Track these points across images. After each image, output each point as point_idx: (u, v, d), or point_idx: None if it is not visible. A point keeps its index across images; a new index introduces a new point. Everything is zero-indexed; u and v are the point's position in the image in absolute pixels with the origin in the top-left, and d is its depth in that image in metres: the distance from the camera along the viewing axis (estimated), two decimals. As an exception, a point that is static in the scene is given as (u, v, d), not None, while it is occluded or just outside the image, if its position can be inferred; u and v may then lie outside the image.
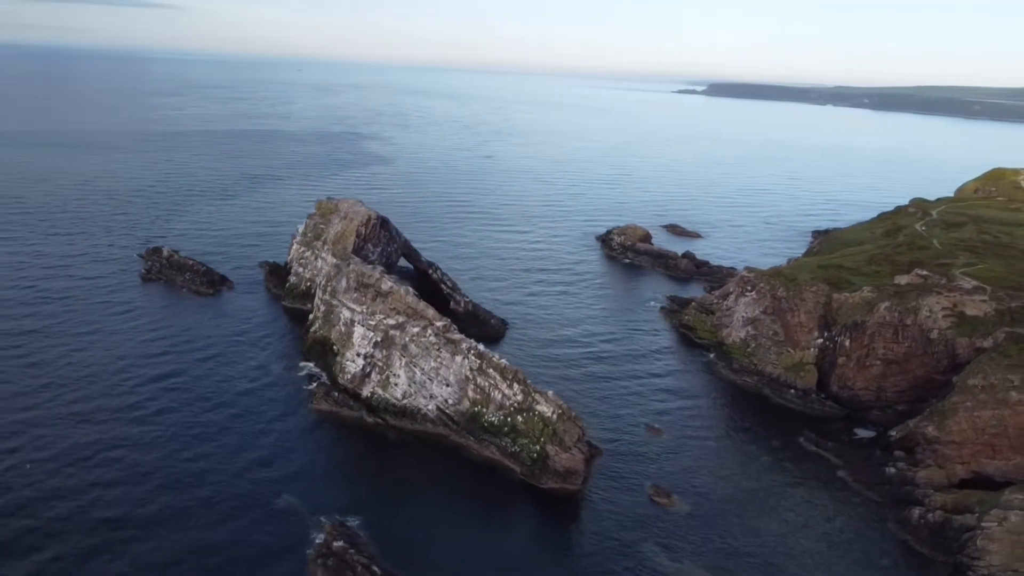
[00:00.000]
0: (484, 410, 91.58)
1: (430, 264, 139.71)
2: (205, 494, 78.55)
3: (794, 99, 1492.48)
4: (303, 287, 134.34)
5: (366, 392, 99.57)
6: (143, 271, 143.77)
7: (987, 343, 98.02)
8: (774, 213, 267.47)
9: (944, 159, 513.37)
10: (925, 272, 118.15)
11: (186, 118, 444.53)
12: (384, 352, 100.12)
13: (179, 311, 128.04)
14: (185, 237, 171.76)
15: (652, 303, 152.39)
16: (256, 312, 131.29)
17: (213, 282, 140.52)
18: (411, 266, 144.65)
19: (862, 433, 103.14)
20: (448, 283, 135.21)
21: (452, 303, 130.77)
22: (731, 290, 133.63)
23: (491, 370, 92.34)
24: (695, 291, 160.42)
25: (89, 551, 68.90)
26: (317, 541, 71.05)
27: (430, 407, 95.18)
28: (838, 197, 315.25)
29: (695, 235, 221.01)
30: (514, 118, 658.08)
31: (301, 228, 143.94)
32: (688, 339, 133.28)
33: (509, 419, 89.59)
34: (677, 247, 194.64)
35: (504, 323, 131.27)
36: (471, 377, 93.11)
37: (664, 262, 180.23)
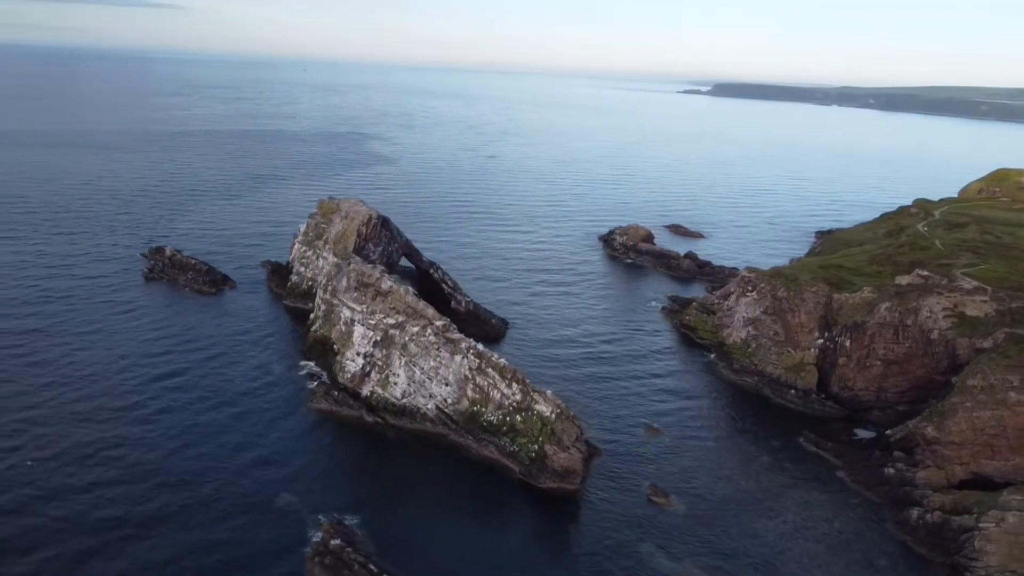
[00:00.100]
0: (483, 409, 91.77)
1: (431, 264, 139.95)
2: (205, 493, 78.82)
3: (799, 99, 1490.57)
4: (304, 286, 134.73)
5: (366, 391, 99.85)
6: (146, 270, 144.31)
7: (987, 344, 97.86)
8: (778, 213, 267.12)
9: (949, 160, 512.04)
10: (926, 272, 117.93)
11: (190, 118, 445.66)
12: (384, 351, 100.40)
13: (181, 310, 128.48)
14: (188, 237, 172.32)
15: (654, 303, 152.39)
16: (258, 311, 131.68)
17: (215, 281, 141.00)
18: (413, 266, 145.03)
19: (862, 433, 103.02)
20: (449, 283, 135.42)
21: (453, 303, 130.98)
22: (732, 290, 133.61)
23: (490, 369, 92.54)
24: (697, 291, 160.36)
25: (89, 550, 69.14)
26: (315, 540, 71.32)
27: (429, 406, 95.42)
28: (842, 197, 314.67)
29: (698, 235, 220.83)
30: (518, 118, 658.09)
31: (303, 228, 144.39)
32: (689, 339, 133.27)
33: (508, 418, 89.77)
34: (680, 247, 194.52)
35: (505, 323, 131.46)
36: (470, 376, 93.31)
37: (666, 262, 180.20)
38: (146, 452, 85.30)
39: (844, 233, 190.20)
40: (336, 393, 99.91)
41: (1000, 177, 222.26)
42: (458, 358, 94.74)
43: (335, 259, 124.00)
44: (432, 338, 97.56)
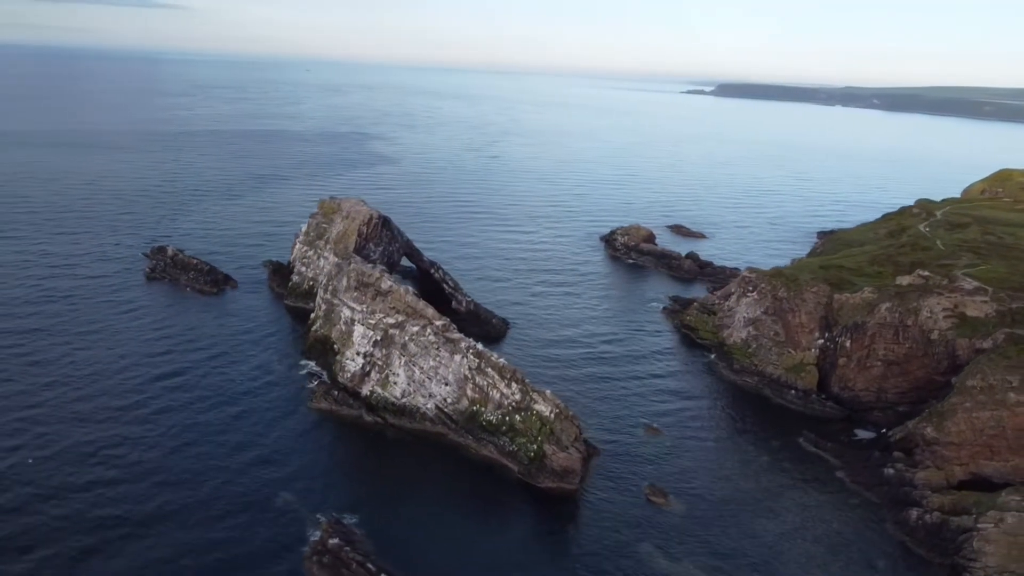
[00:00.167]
0: (482, 409, 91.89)
1: (432, 264, 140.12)
2: (205, 492, 79.06)
3: (803, 99, 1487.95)
4: (305, 286, 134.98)
5: (365, 391, 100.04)
6: (147, 270, 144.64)
7: (987, 344, 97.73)
8: (780, 214, 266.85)
9: (953, 160, 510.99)
10: (927, 273, 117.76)
11: (193, 118, 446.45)
12: (383, 351, 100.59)
13: (182, 310, 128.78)
14: (190, 236, 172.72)
15: (654, 304, 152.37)
16: (259, 311, 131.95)
17: (217, 281, 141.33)
18: (414, 266, 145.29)
19: (862, 434, 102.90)
20: (450, 283, 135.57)
21: (454, 303, 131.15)
22: (733, 291, 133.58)
23: (490, 369, 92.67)
24: (698, 292, 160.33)
25: (89, 548, 69.44)
26: (313, 539, 71.51)
27: (429, 406, 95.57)
28: (846, 198, 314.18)
29: (700, 236, 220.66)
30: (521, 118, 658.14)
31: (304, 227, 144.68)
32: (690, 340, 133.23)
33: (507, 418, 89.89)
34: (682, 248, 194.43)
35: (506, 323, 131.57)
36: (470, 376, 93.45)
37: (667, 262, 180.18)
38: (146, 451, 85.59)
39: (846, 233, 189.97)
40: (336, 393, 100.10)
41: (1003, 178, 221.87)
42: (458, 358, 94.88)
43: (336, 259, 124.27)
44: (432, 338, 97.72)
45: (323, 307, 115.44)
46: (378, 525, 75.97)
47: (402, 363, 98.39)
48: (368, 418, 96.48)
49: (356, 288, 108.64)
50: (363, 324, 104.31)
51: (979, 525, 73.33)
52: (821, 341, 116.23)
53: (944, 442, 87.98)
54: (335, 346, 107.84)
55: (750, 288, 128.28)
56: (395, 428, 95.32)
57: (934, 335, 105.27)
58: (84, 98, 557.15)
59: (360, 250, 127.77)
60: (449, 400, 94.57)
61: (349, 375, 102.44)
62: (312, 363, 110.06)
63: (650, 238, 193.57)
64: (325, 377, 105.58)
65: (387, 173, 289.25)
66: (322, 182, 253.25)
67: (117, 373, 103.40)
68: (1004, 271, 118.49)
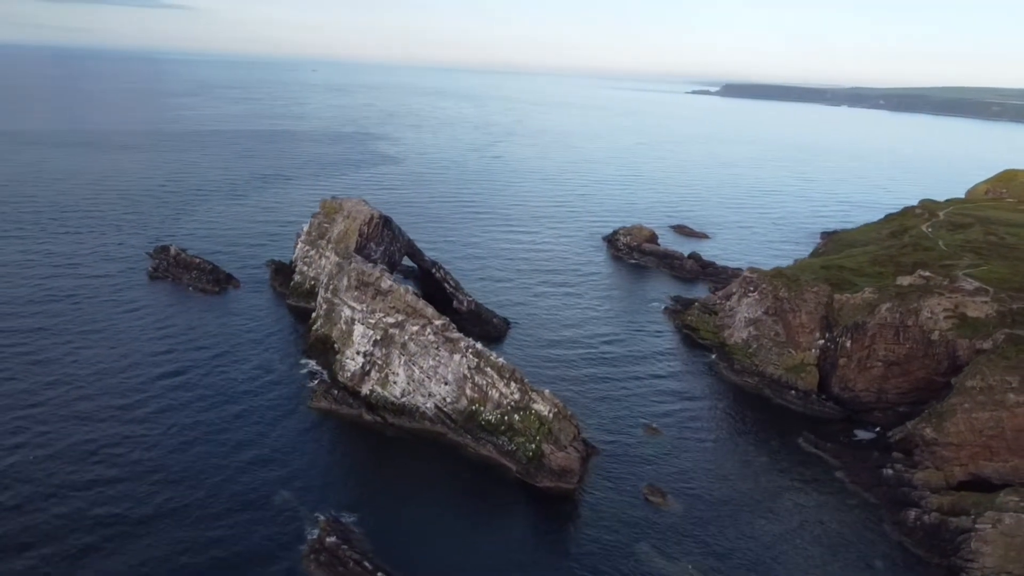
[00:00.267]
0: (481, 408, 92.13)
1: (433, 263, 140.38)
2: (204, 491, 79.42)
3: (809, 100, 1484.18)
4: (307, 286, 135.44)
5: (365, 390, 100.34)
6: (150, 269, 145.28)
7: (987, 345, 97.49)
8: (784, 214, 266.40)
9: (959, 160, 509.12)
10: (927, 273, 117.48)
11: (199, 118, 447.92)
12: (383, 350, 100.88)
13: (184, 309, 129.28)
14: (194, 236, 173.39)
15: (656, 304, 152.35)
16: (261, 310, 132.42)
17: (219, 280, 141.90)
18: (416, 265, 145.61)
19: (862, 434, 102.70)
20: (451, 282, 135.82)
21: (455, 302, 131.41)
22: (734, 291, 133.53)
23: (489, 369, 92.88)
24: (700, 292, 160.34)
25: (89, 546, 69.85)
26: (311, 537, 71.80)
27: (428, 405, 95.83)
28: (850, 198, 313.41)
29: (703, 236, 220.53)
30: (525, 119, 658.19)
31: (306, 227, 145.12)
32: (691, 340, 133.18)
33: (506, 417, 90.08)
34: (685, 248, 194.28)
35: (507, 323, 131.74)
36: (469, 375, 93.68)
37: (670, 263, 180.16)
38: (147, 450, 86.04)
39: (848, 234, 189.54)
40: (336, 392, 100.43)
41: (1008, 178, 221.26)
42: (457, 357, 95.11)
43: (337, 258, 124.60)
44: (431, 337, 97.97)
45: (324, 306, 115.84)
46: (376, 524, 76.24)
47: (402, 362, 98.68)
48: (368, 417, 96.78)
49: (356, 287, 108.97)
50: (363, 323, 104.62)
51: (977, 526, 73.25)
52: (822, 341, 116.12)
53: (943, 443, 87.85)
54: (335, 345, 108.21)
55: (751, 288, 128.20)
56: (394, 427, 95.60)
57: (935, 335, 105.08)
58: (89, 98, 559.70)
59: (361, 250, 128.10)
60: (448, 399, 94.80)
61: (349, 374, 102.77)
62: (313, 362, 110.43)
63: (653, 238, 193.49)
64: (325, 376, 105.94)
65: (391, 173, 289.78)
66: (326, 182, 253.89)
67: (119, 372, 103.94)
68: (1006, 272, 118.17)
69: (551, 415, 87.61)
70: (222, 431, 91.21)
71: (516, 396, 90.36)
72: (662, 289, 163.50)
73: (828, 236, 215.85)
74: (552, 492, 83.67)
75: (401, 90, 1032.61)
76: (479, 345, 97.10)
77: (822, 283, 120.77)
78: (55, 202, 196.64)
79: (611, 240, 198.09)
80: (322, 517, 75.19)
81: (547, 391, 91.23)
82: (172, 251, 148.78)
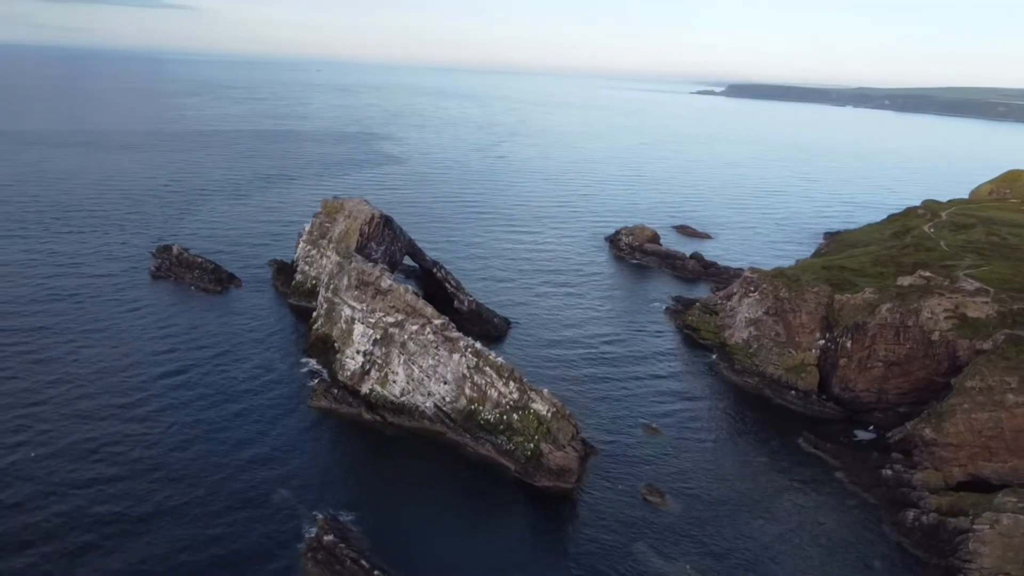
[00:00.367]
0: (481, 408, 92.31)
1: (434, 263, 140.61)
2: (204, 489, 79.66)
3: (814, 100, 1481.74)
4: (308, 285, 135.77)
5: (365, 389, 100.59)
6: (153, 269, 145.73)
7: (987, 345, 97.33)
8: (787, 214, 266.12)
9: (964, 161, 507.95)
10: (928, 273, 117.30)
11: (201, 118, 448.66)
12: (383, 349, 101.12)
13: (186, 309, 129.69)
14: (197, 235, 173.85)
15: (657, 304, 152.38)
16: (262, 310, 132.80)
17: (221, 280, 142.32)
18: (417, 265, 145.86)
19: (862, 435, 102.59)
20: (452, 282, 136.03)
21: (456, 302, 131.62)
22: (735, 291, 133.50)
23: (488, 368, 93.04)
24: (702, 292, 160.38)
25: (88, 544, 70.06)
26: (309, 536, 72.04)
27: (428, 404, 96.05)
28: (854, 199, 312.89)
29: (705, 236, 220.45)
30: (528, 119, 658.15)
31: (308, 227, 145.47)
32: (692, 340, 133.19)
33: (505, 417, 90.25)
34: (687, 248, 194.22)
35: (507, 322, 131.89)
36: (468, 375, 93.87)
37: (671, 263, 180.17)
38: (147, 448, 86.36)
39: (851, 234, 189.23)
40: (336, 391, 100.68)
41: (1012, 178, 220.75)
42: (456, 356, 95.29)
43: (338, 258, 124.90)
44: (431, 336, 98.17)
45: (324, 306, 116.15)
46: (374, 522, 76.42)
47: (401, 362, 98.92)
48: (367, 416, 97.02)
49: (356, 287, 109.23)
50: (363, 323, 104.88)
51: (975, 526, 73.18)
52: (822, 342, 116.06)
53: (942, 443, 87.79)
54: (336, 344, 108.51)
55: (752, 288, 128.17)
56: (394, 426, 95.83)
57: (935, 336, 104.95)
58: (91, 98, 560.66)
59: (362, 249, 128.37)
60: (447, 399, 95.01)
61: (349, 373, 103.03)
62: (313, 361, 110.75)
63: (655, 238, 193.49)
64: (326, 375, 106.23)
65: (395, 173, 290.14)
66: (329, 182, 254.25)
67: (120, 371, 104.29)
68: (1007, 272, 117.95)
69: (550, 414, 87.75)
70: (222, 429, 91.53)
71: (515, 395, 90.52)
72: (664, 289, 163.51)
73: (831, 236, 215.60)
74: (550, 491, 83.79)
75: (403, 90, 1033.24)
76: (478, 344, 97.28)
77: (823, 283, 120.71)
78: (58, 202, 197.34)
79: (613, 240, 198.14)
80: (320, 515, 75.46)
81: (546, 390, 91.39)
82: (175, 251, 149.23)
